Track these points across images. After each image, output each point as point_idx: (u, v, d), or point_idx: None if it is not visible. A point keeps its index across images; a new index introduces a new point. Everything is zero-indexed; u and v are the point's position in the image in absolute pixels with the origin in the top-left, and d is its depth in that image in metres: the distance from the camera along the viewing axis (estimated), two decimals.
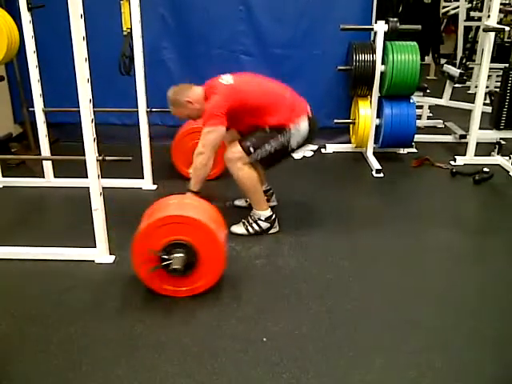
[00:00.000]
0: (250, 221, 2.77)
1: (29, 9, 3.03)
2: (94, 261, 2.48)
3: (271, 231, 2.79)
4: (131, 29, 3.08)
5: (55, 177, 3.42)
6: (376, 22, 3.77)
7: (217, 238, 2.19)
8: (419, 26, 3.71)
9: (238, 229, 2.77)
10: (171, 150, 3.54)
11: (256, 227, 2.76)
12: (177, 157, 3.52)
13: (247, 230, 2.76)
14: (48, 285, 2.33)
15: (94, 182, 2.36)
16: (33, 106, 3.26)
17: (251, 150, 2.61)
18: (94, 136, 2.31)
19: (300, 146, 2.74)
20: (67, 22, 2.13)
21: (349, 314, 2.14)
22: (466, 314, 2.16)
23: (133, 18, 3.05)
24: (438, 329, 2.06)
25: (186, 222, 2.15)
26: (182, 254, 2.14)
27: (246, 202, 3.00)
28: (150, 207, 2.35)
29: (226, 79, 2.68)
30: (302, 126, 2.68)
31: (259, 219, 2.75)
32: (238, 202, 3.14)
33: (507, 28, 3.74)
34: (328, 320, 2.10)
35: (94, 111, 2.31)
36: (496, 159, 3.92)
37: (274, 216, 2.78)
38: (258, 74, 2.81)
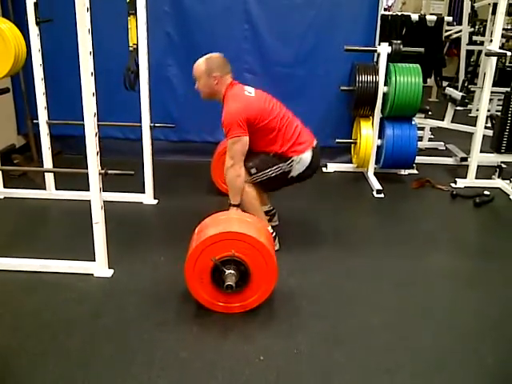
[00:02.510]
0: None
1: (37, 23, 3.07)
2: (92, 274, 2.48)
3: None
4: (137, 45, 3.11)
5: (57, 189, 3.43)
6: (379, 44, 3.82)
7: (270, 254, 2.20)
8: (422, 49, 3.75)
9: None
10: (211, 168, 3.52)
11: None
12: (216, 175, 3.48)
13: None
14: (46, 297, 2.32)
15: (96, 196, 2.37)
16: (37, 118, 3.28)
17: (253, 171, 2.62)
18: (98, 149, 2.32)
19: (300, 176, 2.73)
20: (74, 36, 2.16)
21: (348, 335, 2.13)
22: (465, 338, 2.15)
23: (139, 34, 3.09)
24: (437, 352, 2.04)
25: (241, 239, 2.16)
26: (233, 271, 2.14)
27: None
28: (200, 224, 2.36)
29: (249, 90, 2.70)
30: (304, 157, 2.69)
31: None
32: None
33: (509, 53, 3.77)
34: (327, 341, 2.08)
35: (98, 125, 2.33)
36: (496, 182, 3.93)
37: (274, 234, 2.76)
38: (272, 97, 2.81)
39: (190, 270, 2.18)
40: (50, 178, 3.40)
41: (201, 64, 2.68)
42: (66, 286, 2.39)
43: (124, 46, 3.15)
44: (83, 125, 2.28)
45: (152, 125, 3.32)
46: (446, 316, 2.30)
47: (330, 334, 2.13)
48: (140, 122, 3.29)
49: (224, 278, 2.14)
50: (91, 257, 2.47)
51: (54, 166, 3.39)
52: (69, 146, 4.14)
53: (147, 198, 3.43)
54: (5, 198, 3.39)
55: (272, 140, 2.66)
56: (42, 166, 3.40)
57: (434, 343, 2.10)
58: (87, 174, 2.34)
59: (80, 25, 2.14)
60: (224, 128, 2.58)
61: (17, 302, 2.29)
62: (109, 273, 2.49)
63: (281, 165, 2.66)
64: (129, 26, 3.09)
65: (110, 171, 2.36)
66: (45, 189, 3.41)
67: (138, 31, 3.09)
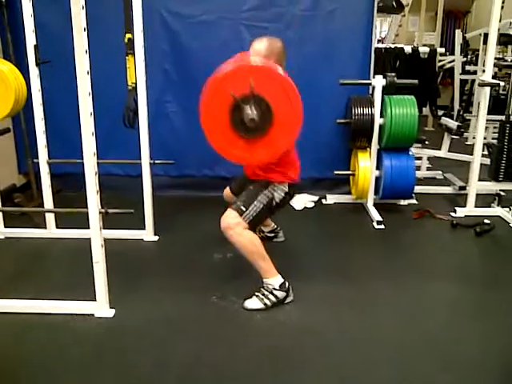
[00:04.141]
0: (266, 292, 2.54)
1: (37, 64, 3.13)
2: (93, 314, 2.45)
3: (287, 300, 2.58)
4: (136, 83, 3.16)
5: (57, 227, 3.43)
6: (374, 77, 3.88)
7: (293, 88, 2.03)
8: (416, 81, 3.80)
9: (254, 303, 2.54)
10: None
11: (273, 298, 2.53)
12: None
13: (264, 303, 2.53)
14: (46, 339, 2.29)
15: (96, 235, 2.37)
16: (37, 157, 3.31)
17: (243, 208, 2.50)
18: (97, 188, 2.33)
19: (281, 202, 2.65)
20: (73, 76, 2.19)
21: (353, 369, 2.10)
22: (469, 369, 2.12)
23: (138, 72, 3.14)
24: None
25: (260, 71, 2.01)
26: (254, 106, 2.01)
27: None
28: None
29: None
30: (285, 186, 2.64)
31: (274, 289, 2.54)
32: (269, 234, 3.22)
33: (502, 83, 3.83)
34: (332, 376, 2.06)
35: (98, 163, 2.35)
36: (496, 211, 3.93)
37: (287, 283, 2.59)
38: None
39: (207, 112, 2.03)
40: (50, 217, 3.40)
41: (262, 47, 2.56)
42: (67, 328, 2.36)
43: (123, 84, 3.19)
44: (83, 163, 2.30)
45: (152, 162, 3.34)
46: (450, 348, 2.27)
47: (336, 368, 2.10)
48: (140, 158, 3.31)
49: (245, 116, 1.98)
50: (92, 296, 2.45)
51: (54, 204, 3.39)
52: (69, 183, 4.15)
53: (148, 234, 3.42)
54: (5, 237, 3.39)
55: (281, 160, 2.54)
56: (43, 205, 3.40)
57: (440, 375, 2.07)
58: (87, 212, 2.35)
59: (79, 67, 2.18)
60: None
61: (15, 345, 2.26)
62: (110, 313, 2.47)
63: (264, 191, 2.58)
64: (127, 66, 3.14)
65: (110, 210, 2.36)
66: (45, 228, 3.41)
67: (137, 70, 3.14)
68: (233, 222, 2.47)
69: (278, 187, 2.63)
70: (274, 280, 2.56)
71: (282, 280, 2.58)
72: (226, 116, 2.06)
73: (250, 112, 2.05)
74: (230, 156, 2.25)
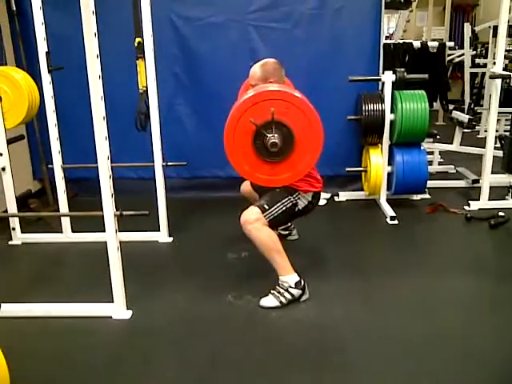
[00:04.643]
0: (281, 290, 2.56)
1: (49, 71, 3.17)
2: (111, 316, 2.48)
3: (303, 298, 2.60)
4: (147, 87, 3.19)
5: (73, 231, 3.47)
6: (383, 73, 3.87)
7: (313, 111, 2.10)
8: (426, 76, 3.80)
9: (270, 301, 2.56)
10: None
11: (288, 296, 2.55)
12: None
13: (280, 301, 2.55)
14: (66, 342, 2.32)
15: (112, 238, 2.39)
16: (52, 163, 3.36)
17: (266, 206, 2.54)
18: (112, 192, 2.36)
19: (305, 209, 2.70)
20: (86, 81, 2.22)
21: (370, 366, 2.10)
22: (487, 364, 2.11)
23: (148, 76, 3.17)
24: (461, 380, 2.01)
25: (280, 97, 2.06)
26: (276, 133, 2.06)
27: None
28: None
29: None
30: (309, 194, 2.69)
31: (290, 287, 2.55)
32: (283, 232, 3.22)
33: None
34: (349, 374, 2.06)
35: (112, 166, 2.37)
36: (510, 203, 3.91)
37: (302, 281, 2.59)
38: None
39: (231, 140, 2.07)
40: (66, 222, 3.44)
41: (256, 71, 2.68)
42: (85, 330, 2.39)
43: (134, 88, 3.22)
44: (97, 167, 2.33)
45: (164, 164, 3.37)
46: (467, 341, 2.26)
47: (353, 365, 2.11)
48: (152, 161, 3.34)
49: (267, 141, 2.03)
50: (109, 298, 2.48)
51: (69, 209, 3.44)
52: (84, 188, 4.20)
53: (162, 236, 3.45)
54: (22, 243, 3.44)
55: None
56: (58, 210, 3.45)
57: (457, 370, 2.06)
58: (103, 215, 2.37)
59: (91, 72, 2.21)
60: None
61: (34, 349, 2.29)
62: (127, 314, 2.50)
63: (289, 197, 2.62)
64: (138, 70, 3.17)
65: (125, 212, 2.39)
66: (61, 232, 3.45)
67: (147, 74, 3.17)
68: (253, 218, 2.48)
69: (303, 196, 2.67)
70: (290, 278, 2.57)
71: (298, 278, 2.58)
72: (249, 143, 2.13)
73: (272, 137, 2.10)
74: (256, 180, 2.31)
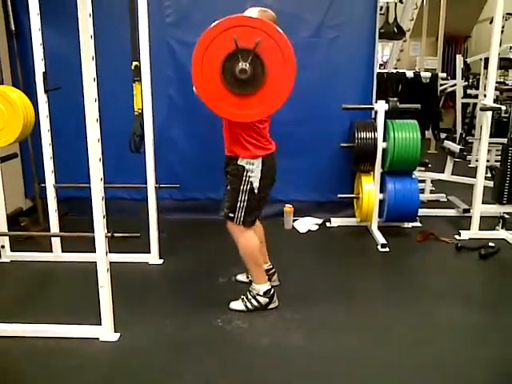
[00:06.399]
0: (249, 296, 2.74)
1: (45, 91, 3.19)
2: (98, 338, 2.45)
3: (270, 306, 2.75)
4: (142, 109, 3.21)
5: (63, 251, 3.45)
6: (376, 102, 3.93)
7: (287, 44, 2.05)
8: (418, 106, 3.85)
9: (237, 305, 2.75)
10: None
11: (255, 303, 2.72)
12: None
13: (246, 306, 2.73)
14: (51, 364, 2.29)
15: (102, 259, 2.38)
16: (44, 182, 3.35)
17: (231, 215, 2.59)
18: (104, 213, 2.36)
19: (266, 185, 2.62)
20: (81, 102, 2.23)
21: None
22: None
23: (144, 98, 3.20)
24: None
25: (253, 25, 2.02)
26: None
27: (248, 278, 2.98)
28: None
29: None
30: (257, 162, 2.57)
31: (258, 294, 2.72)
32: (240, 278, 3.12)
33: (503, 107, 3.87)
34: None
35: (105, 187, 2.37)
36: (500, 233, 3.93)
37: (272, 290, 2.76)
38: None
39: (199, 66, 2.02)
40: (56, 241, 3.42)
41: (256, 10, 2.52)
42: (71, 352, 2.36)
43: (129, 110, 3.24)
44: (89, 187, 2.32)
45: (157, 186, 3.37)
46: (457, 372, 2.25)
47: None
48: (145, 183, 3.34)
49: (237, 68, 1.99)
50: (97, 320, 2.46)
51: (60, 228, 3.42)
52: (75, 207, 4.18)
53: (153, 257, 3.43)
54: (11, 261, 3.41)
55: (257, 131, 2.53)
56: (49, 229, 3.43)
57: None
58: (93, 237, 2.37)
59: (87, 94, 2.22)
60: None
61: (20, 370, 2.26)
62: (115, 337, 2.47)
63: (242, 183, 2.56)
64: (134, 92, 3.20)
65: (116, 234, 2.38)
66: (51, 251, 3.43)
67: (143, 96, 3.19)
68: (231, 229, 2.67)
69: (252, 170, 2.56)
70: (261, 286, 2.73)
71: (268, 287, 2.74)
72: (218, 68, 2.06)
73: (243, 64, 2.07)
74: (219, 110, 2.21)
